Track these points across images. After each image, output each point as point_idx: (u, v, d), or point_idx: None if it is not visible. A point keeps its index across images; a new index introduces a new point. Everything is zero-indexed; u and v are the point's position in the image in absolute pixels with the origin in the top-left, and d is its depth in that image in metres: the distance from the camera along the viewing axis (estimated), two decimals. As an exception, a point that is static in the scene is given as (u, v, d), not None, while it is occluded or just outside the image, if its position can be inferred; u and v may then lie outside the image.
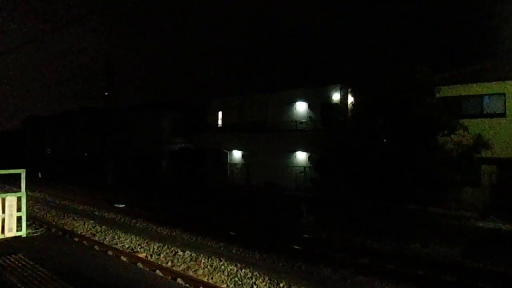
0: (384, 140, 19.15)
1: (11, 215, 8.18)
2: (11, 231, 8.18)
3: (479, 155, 16.79)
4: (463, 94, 18.68)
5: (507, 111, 17.62)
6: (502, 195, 15.79)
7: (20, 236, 8.36)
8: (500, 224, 13.14)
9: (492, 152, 16.65)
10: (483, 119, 18.00)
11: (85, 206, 18.67)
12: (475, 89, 18.45)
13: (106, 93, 29.88)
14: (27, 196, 8.92)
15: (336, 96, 22.57)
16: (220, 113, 29.57)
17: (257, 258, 10.34)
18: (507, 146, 16.97)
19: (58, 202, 20.24)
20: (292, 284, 7.93)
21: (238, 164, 26.89)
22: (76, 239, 11.92)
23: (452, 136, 17.14)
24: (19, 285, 5.47)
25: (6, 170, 8.56)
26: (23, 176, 8.28)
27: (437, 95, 18.04)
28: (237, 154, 27.19)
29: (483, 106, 18.41)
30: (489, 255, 10.21)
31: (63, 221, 15.09)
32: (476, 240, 11.46)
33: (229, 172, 27.16)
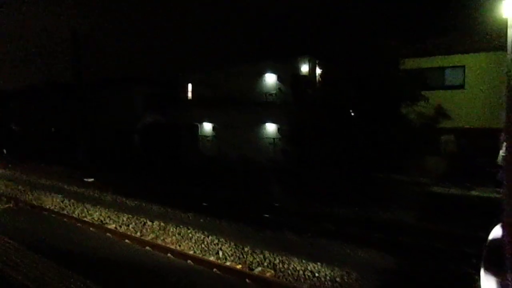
0: (351, 111, 19.68)
1: (-26, 189, 8.14)
2: (-25, 205, 8.17)
3: (440, 125, 17.57)
4: (426, 66, 19.27)
5: (466, 83, 18.36)
6: (458, 162, 16.69)
7: (-16, 210, 8.37)
8: (453, 189, 14.00)
9: (451, 122, 17.46)
10: (444, 91, 18.72)
11: (54, 182, 18.48)
12: (437, 61, 19.07)
13: (73, 68, 29.05)
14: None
15: (304, 68, 22.78)
16: (190, 86, 29.39)
17: (225, 226, 10.68)
18: (465, 116, 17.79)
19: (25, 178, 19.93)
20: (256, 248, 8.34)
21: (209, 136, 27.04)
22: (45, 213, 11.97)
23: (415, 107, 17.79)
24: (-16, 254, 5.60)
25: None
26: (-16, 150, 8.21)
27: (402, 67, 18.55)
28: (207, 127, 27.29)
29: (444, 78, 19.09)
30: (441, 218, 10.94)
31: (31, 197, 14.98)
32: (431, 204, 12.20)
33: (200, 144, 27.29)
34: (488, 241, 2.10)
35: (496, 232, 2.04)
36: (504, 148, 1.95)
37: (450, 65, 18.92)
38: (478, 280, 2.05)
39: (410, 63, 18.88)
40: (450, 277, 6.75)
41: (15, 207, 12.72)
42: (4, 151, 31.79)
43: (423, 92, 17.61)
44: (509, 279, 1.76)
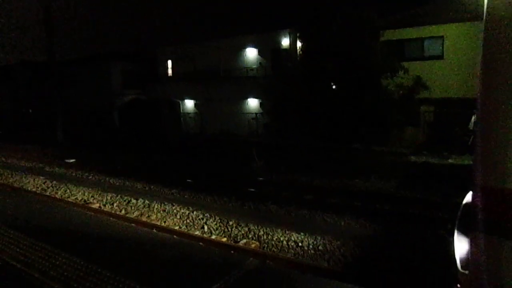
0: (332, 84, 19.79)
1: (-49, 172, 7.99)
2: (-47, 189, 8.03)
3: (419, 96, 17.86)
4: (405, 37, 19.38)
5: (444, 54, 18.58)
6: (437, 132, 17.10)
7: (-36, 193, 8.23)
8: (430, 158, 14.40)
9: (430, 93, 17.75)
10: (423, 62, 18.91)
11: (34, 163, 18.18)
12: (416, 32, 19.17)
13: (47, 45, 28.07)
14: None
15: (285, 42, 22.66)
16: (170, 62, 28.92)
17: (209, 201, 10.80)
18: (444, 86, 18.09)
19: (4, 160, 19.53)
20: (240, 221, 8.49)
21: (191, 113, 26.87)
22: (27, 195, 11.82)
23: (394, 78, 17.99)
24: (-34, 236, 5.56)
25: None
26: (-41, 132, 8.01)
27: (381, 38, 18.62)
28: (189, 103, 27.09)
29: (423, 49, 19.27)
30: (418, 186, 11.29)
31: (11, 179, 14.73)
32: (410, 173, 12.56)
33: (182, 121, 27.13)
34: (462, 204, 2.21)
35: (470, 196, 2.14)
36: (476, 114, 2.05)
37: (429, 35, 19.05)
38: (452, 242, 2.18)
39: (389, 35, 18.96)
40: (427, 241, 7.04)
41: (-5, 190, 12.50)
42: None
43: (403, 64, 17.80)
44: (480, 238, 1.87)
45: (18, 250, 5.33)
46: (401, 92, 17.87)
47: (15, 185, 13.69)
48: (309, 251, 6.97)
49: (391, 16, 20.25)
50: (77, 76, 33.48)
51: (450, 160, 14.02)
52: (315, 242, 7.17)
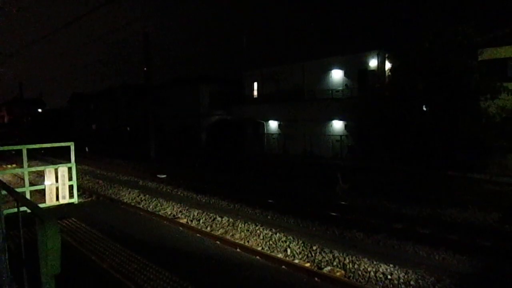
0: (424, 106, 18.71)
1: (63, 184, 8.94)
2: (64, 198, 8.96)
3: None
4: (509, 55, 17.73)
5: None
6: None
7: (72, 203, 9.12)
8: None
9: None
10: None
11: (130, 177, 19.69)
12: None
13: (145, 69, 30.62)
14: (77, 168, 9.62)
15: (373, 63, 22.06)
16: (255, 84, 29.74)
17: (292, 223, 10.70)
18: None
19: (105, 174, 21.44)
20: (324, 247, 8.24)
21: (274, 134, 27.17)
22: (123, 206, 12.77)
23: (496, 100, 16.49)
24: (74, 243, 6.11)
25: (57, 144, 9.29)
26: (72, 148, 8.93)
27: (479, 57, 17.27)
28: (273, 124, 27.42)
29: (531, 67, 17.44)
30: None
31: (110, 191, 16.09)
32: (516, 205, 11.23)
33: (266, 142, 27.53)
34: None
35: None
36: None
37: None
38: None
39: (490, 53, 17.50)
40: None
41: (96, 200, 13.72)
42: (87, 149, 34.40)
43: (505, 84, 16.28)
44: None
45: (116, 260, 5.72)
46: (503, 115, 16.28)
47: (113, 196, 14.90)
48: (400, 286, 6.50)
49: (491, 32, 18.70)
50: (170, 97, 35.93)
51: None
52: (406, 276, 6.67)
